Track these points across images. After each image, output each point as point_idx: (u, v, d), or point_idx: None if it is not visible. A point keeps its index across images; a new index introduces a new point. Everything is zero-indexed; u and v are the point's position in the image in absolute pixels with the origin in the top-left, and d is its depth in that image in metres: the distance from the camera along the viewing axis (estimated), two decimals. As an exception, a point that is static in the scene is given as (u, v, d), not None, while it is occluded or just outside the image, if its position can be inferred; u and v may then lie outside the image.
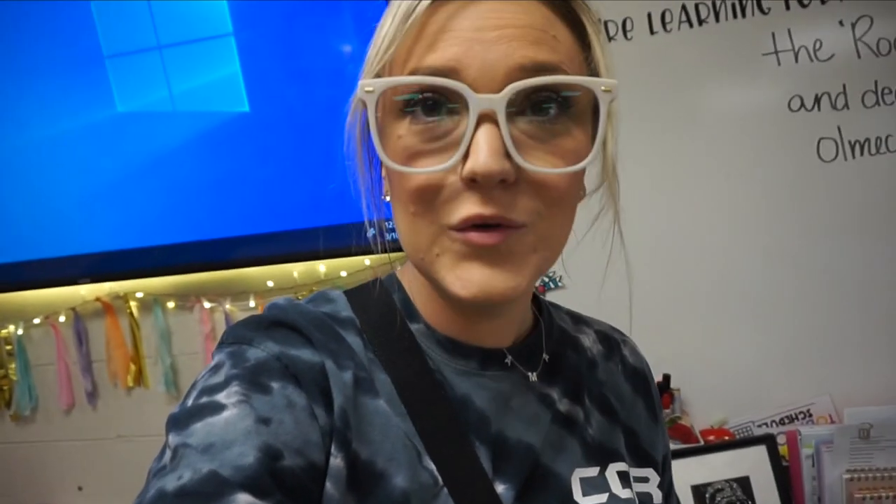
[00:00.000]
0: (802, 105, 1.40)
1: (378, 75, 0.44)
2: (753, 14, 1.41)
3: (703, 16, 1.45)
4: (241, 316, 1.82)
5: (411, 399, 0.47)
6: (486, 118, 0.40)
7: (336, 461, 0.43)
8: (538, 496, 0.49)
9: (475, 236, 0.41)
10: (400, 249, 0.49)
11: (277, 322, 0.47)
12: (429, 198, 0.43)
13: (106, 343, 1.90)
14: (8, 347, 1.99)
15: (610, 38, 1.52)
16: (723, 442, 1.42)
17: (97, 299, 1.89)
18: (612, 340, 0.63)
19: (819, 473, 1.36)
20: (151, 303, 1.86)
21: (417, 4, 0.42)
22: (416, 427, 0.46)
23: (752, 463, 1.38)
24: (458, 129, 0.41)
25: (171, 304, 1.85)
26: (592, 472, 0.53)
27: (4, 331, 1.99)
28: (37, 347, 1.99)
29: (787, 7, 1.40)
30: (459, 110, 0.41)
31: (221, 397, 0.42)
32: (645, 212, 1.51)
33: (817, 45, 1.39)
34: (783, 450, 1.39)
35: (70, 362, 1.95)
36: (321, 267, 1.75)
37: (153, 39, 1.62)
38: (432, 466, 0.46)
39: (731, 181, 1.46)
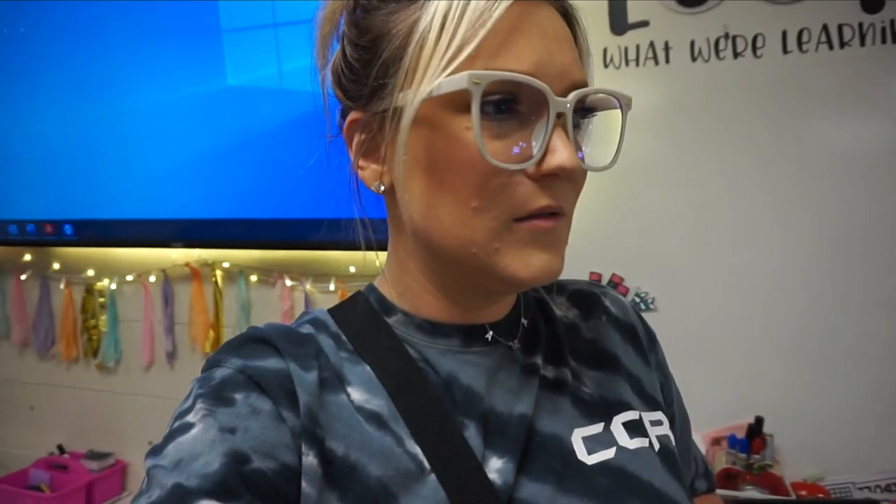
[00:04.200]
0: (948, 146, 1.27)
1: (455, 71, 0.42)
2: (906, 41, 1.30)
3: (846, 38, 1.34)
4: (320, 297, 1.84)
5: (391, 386, 0.48)
6: (560, 119, 0.44)
7: (308, 459, 0.43)
8: (539, 463, 0.48)
9: (542, 223, 0.45)
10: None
11: (249, 339, 0.49)
12: (497, 191, 0.44)
13: (190, 307, 1.97)
14: (101, 300, 2.09)
15: (737, 55, 1.42)
16: (819, 499, 1.31)
17: (186, 264, 1.96)
18: (590, 296, 0.63)
19: (923, 550, 1.23)
20: (236, 274, 1.91)
21: (496, 6, 0.42)
22: (399, 411, 0.47)
23: (848, 526, 1.27)
24: (525, 128, 0.44)
25: (254, 278, 1.89)
26: (596, 429, 0.52)
27: (100, 283, 2.08)
28: (127, 303, 2.08)
29: (948, 36, 1.27)
30: (524, 110, 0.44)
31: (190, 417, 0.44)
32: (757, 248, 1.41)
33: (978, 81, 1.25)
34: (884, 517, 1.27)
35: (155, 321, 2.03)
36: (404, 258, 1.73)
37: (270, 16, 1.65)
38: (417, 450, 0.46)
39: (845, 221, 1.35)
